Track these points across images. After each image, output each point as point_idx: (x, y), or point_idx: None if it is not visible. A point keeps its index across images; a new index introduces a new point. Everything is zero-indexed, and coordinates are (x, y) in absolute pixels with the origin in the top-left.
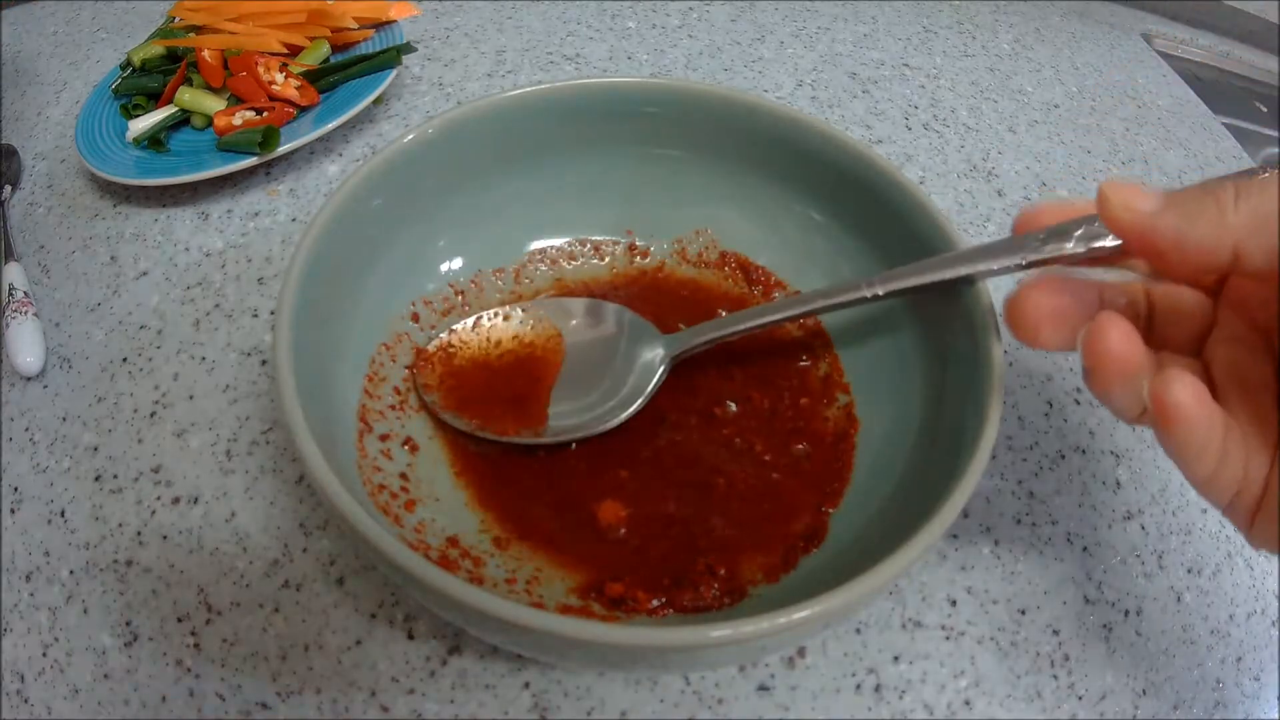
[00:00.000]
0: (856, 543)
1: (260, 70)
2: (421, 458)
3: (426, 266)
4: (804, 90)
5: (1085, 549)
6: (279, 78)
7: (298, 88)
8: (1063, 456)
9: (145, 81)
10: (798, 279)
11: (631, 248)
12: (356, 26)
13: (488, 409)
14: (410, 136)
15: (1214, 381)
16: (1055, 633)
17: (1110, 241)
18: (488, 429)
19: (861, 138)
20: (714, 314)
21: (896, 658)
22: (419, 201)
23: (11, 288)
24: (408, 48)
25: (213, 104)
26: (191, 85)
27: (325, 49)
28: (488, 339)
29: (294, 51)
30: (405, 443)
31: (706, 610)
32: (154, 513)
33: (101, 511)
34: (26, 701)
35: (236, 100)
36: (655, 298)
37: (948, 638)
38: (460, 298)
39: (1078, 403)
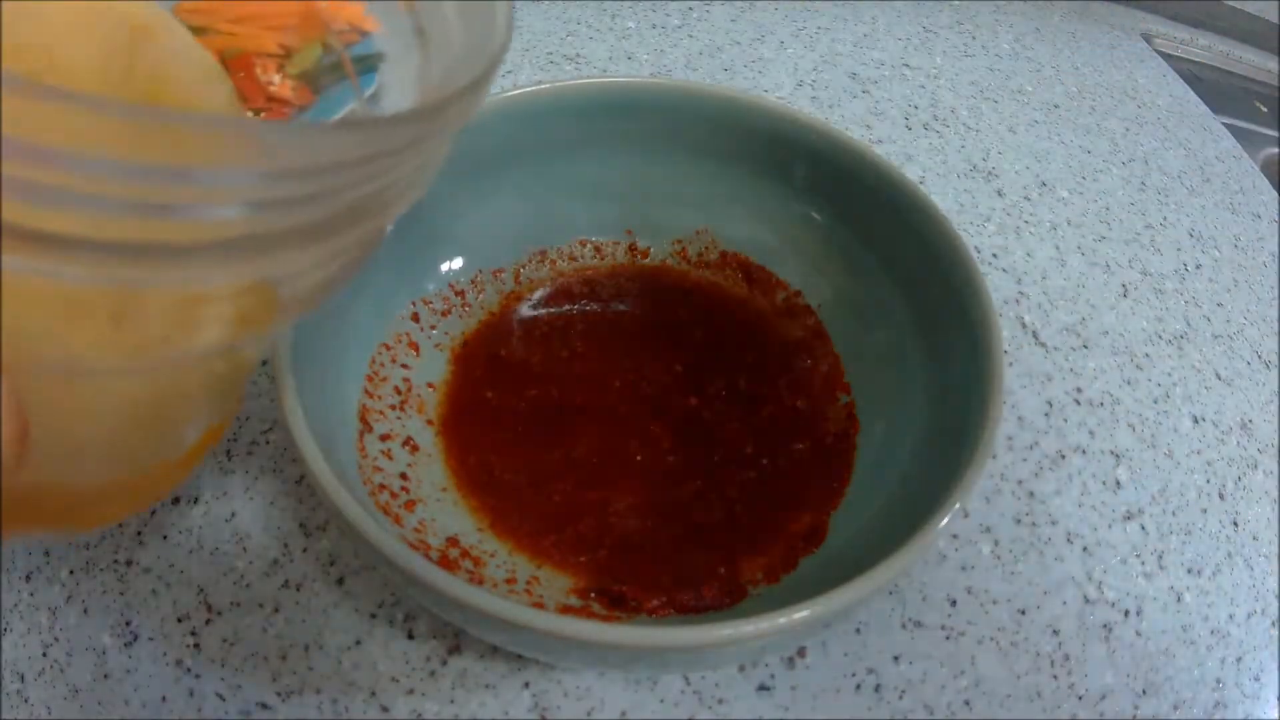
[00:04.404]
0: (856, 543)
1: (258, 71)
2: (422, 458)
3: (426, 266)
4: (804, 90)
5: (1085, 549)
6: (276, 78)
7: (293, 88)
8: (1063, 456)
9: None
10: (798, 279)
11: (631, 248)
12: (350, 28)
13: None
14: None
15: None
16: (1055, 633)
17: None
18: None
19: (861, 138)
20: (714, 314)
21: (896, 658)
22: (418, 201)
23: None
24: None
25: None
26: None
27: (319, 50)
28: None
29: (289, 53)
30: (406, 443)
31: (706, 610)
32: (154, 512)
33: None
34: (26, 701)
35: None
36: (655, 298)
37: (948, 638)
38: (460, 298)
39: (1078, 403)
